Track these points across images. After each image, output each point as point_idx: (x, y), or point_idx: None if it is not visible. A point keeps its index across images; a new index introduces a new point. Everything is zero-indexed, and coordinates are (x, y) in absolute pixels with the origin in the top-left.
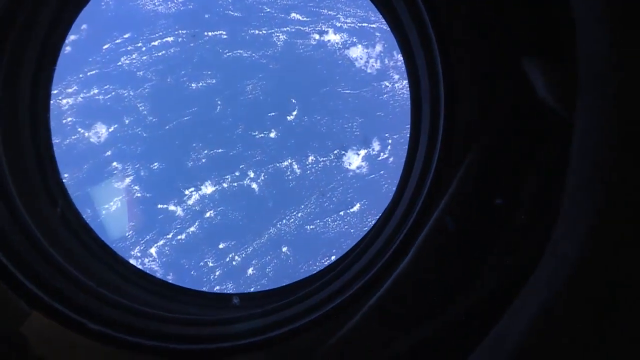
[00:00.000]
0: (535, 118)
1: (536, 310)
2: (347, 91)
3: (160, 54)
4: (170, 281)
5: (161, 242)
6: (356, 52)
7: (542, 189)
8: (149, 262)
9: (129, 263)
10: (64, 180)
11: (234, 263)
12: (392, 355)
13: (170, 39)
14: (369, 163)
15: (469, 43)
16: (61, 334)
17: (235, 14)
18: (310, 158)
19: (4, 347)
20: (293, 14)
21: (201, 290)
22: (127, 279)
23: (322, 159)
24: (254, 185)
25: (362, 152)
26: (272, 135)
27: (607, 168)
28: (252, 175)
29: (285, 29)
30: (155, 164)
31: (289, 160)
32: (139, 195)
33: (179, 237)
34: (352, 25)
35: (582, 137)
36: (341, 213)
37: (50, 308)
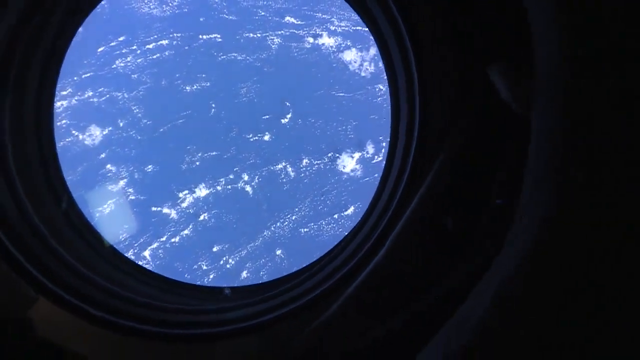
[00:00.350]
0: (504, 119)
1: (494, 294)
2: (341, 94)
3: (155, 56)
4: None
5: (155, 245)
6: (350, 55)
7: (510, 185)
8: (142, 264)
9: (130, 259)
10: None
11: (227, 266)
12: (368, 342)
13: (165, 42)
14: (363, 166)
15: (443, 49)
16: (67, 320)
17: (230, 18)
18: (304, 161)
19: (11, 328)
20: (287, 18)
21: (197, 284)
22: (129, 274)
23: (316, 162)
24: (248, 188)
25: (356, 155)
26: (266, 138)
27: (558, 168)
28: (246, 178)
29: (279, 32)
30: (150, 166)
31: (283, 163)
32: (133, 198)
33: (172, 239)
34: (346, 28)
35: (537, 137)
36: (335, 216)
37: (56, 295)
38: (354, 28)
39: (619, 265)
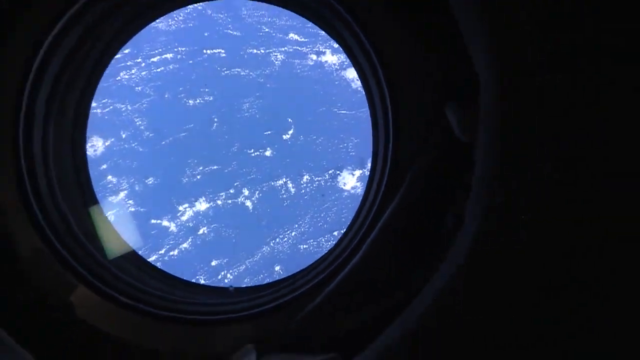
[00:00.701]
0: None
1: (434, 295)
2: (343, 111)
3: (159, 70)
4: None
5: (153, 258)
6: (353, 73)
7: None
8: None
9: (146, 260)
10: None
11: (226, 281)
12: (341, 334)
13: (169, 55)
14: (364, 184)
15: (412, 84)
16: (99, 304)
17: (235, 33)
18: (305, 177)
19: (55, 310)
20: (291, 35)
21: (206, 284)
22: (143, 271)
23: (317, 178)
24: (248, 203)
25: (357, 173)
26: (268, 153)
27: (489, 183)
28: (246, 193)
29: (283, 49)
30: (150, 179)
31: (284, 179)
32: (133, 209)
33: (171, 253)
34: None
35: (478, 156)
36: (335, 233)
37: (92, 284)
38: None
39: (592, 261)
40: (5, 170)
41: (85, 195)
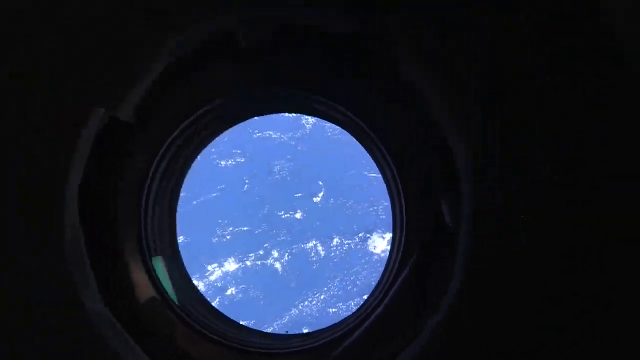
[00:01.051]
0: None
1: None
2: (373, 175)
3: None
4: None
5: None
6: None
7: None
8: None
9: (215, 308)
10: None
11: None
12: None
13: None
14: None
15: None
16: (193, 338)
17: None
18: (335, 240)
19: (165, 342)
20: None
21: (259, 330)
22: (215, 317)
23: (347, 241)
24: (278, 265)
25: (388, 236)
26: (298, 216)
27: (466, 250)
28: (276, 255)
29: None
30: (181, 237)
31: (314, 242)
32: None
33: None
34: None
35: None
36: (365, 297)
37: (188, 323)
38: None
39: (600, 267)
40: (133, 244)
41: (175, 258)
